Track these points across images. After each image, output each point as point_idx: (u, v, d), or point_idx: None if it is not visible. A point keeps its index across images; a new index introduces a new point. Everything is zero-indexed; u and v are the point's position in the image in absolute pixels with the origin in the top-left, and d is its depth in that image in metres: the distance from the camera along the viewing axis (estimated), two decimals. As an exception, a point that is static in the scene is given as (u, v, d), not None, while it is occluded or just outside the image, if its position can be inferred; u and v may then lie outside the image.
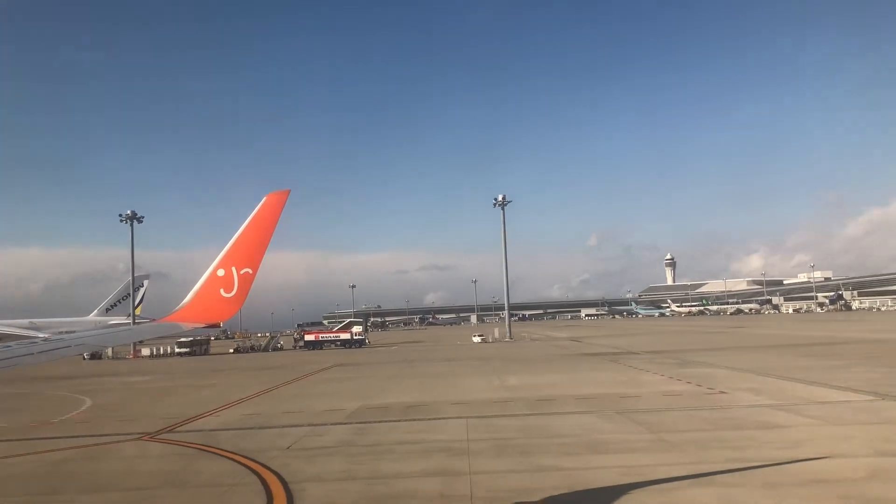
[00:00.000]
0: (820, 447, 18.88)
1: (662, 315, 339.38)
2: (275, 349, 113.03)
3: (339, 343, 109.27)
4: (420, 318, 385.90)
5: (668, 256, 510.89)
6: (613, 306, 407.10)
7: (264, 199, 11.04)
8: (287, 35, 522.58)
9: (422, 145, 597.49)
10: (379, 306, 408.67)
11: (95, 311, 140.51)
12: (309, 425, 27.50)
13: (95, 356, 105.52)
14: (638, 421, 24.76)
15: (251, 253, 10.87)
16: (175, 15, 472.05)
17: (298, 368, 63.51)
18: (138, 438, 26.45)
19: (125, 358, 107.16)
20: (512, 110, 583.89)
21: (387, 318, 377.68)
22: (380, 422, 27.70)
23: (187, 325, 10.99)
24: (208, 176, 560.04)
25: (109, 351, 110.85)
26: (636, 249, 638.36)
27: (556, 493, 15.35)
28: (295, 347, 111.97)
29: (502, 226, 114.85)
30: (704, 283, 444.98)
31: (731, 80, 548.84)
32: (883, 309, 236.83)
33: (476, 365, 57.77)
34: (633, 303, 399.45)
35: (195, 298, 10.84)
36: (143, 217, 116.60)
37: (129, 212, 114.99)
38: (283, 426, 27.90)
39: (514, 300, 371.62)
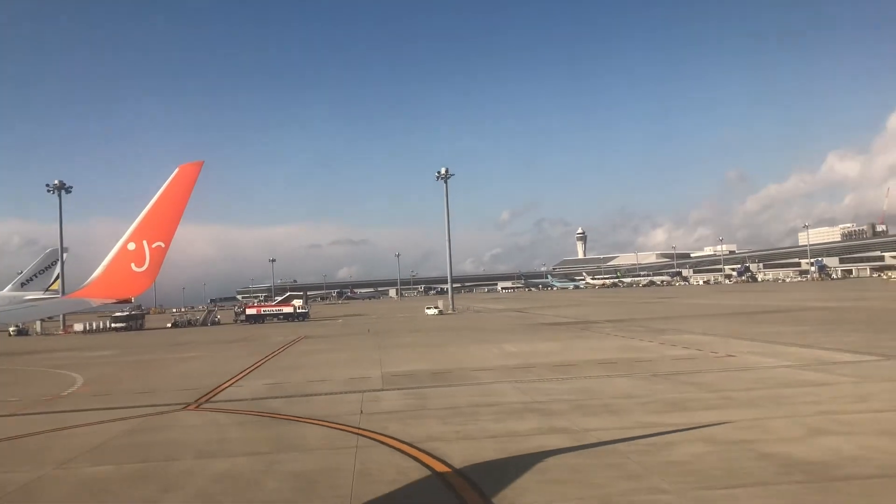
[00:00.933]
0: (891, 401, 20.43)
1: (577, 287, 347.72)
2: (213, 323, 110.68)
3: (281, 317, 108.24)
4: (338, 292, 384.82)
5: (580, 230, 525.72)
6: (529, 279, 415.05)
7: (177, 169, 10.75)
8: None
9: (335, 117, 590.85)
10: (295, 281, 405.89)
11: (10, 285, 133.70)
12: (353, 392, 27.55)
13: (22, 332, 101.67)
14: (685, 382, 25.87)
15: (163, 226, 10.64)
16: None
17: (265, 341, 62.72)
18: (183, 408, 25.96)
19: (55, 333, 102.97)
20: (427, 88, 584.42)
21: (308, 293, 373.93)
22: (426, 387, 27.94)
23: (96, 301, 10.62)
24: (105, 146, 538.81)
25: (38, 326, 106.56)
26: (546, 224, 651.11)
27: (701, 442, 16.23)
28: (236, 321, 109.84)
29: (445, 199, 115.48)
30: (615, 257, 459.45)
31: (636, 61, 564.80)
32: (787, 280, 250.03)
33: (451, 335, 58.48)
34: (548, 276, 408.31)
35: (104, 273, 10.56)
36: (71, 187, 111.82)
37: (56, 181, 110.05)
38: (327, 393, 27.84)
39: (429, 274, 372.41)
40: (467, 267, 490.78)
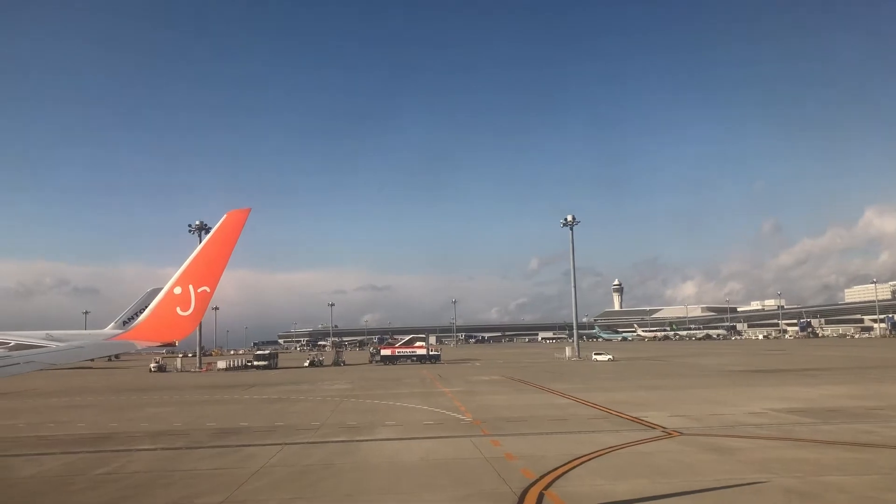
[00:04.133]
0: None
1: (624, 339, 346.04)
2: (344, 364, 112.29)
3: (414, 358, 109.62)
4: (378, 338, 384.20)
5: (616, 282, 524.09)
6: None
7: (224, 216, 10.98)
8: (250, 55, 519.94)
9: (363, 163, 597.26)
10: (336, 326, 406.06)
11: (112, 323, 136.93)
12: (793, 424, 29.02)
13: (161, 368, 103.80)
14: None
15: (209, 271, 10.78)
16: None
17: (467, 378, 64.24)
18: (665, 436, 27.27)
19: (191, 370, 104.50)
20: (461, 131, 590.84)
21: (344, 339, 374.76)
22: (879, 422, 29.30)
23: (141, 344, 10.80)
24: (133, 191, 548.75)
25: (178, 363, 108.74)
26: (576, 274, 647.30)
27: None
28: (371, 362, 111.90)
29: (571, 246, 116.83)
30: (660, 309, 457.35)
31: (666, 111, 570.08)
32: (857, 336, 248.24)
33: (688, 380, 59.42)
34: (596, 327, 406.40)
35: (151, 316, 10.78)
36: (209, 227, 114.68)
37: (197, 222, 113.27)
38: (761, 424, 29.22)
39: (457, 322, 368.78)
40: (492, 316, 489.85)
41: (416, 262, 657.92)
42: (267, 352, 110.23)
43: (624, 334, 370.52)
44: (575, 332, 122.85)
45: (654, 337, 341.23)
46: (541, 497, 17.38)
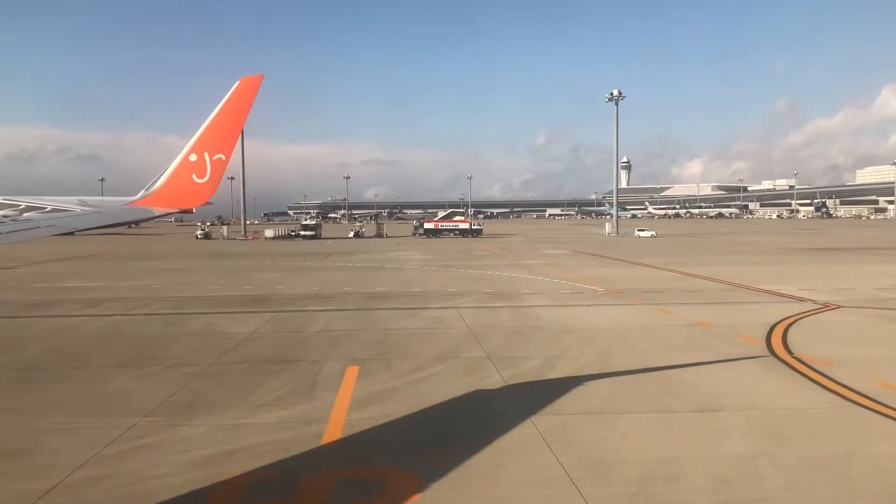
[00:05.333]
0: None
1: (634, 216, 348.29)
2: (387, 236, 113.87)
3: (457, 232, 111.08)
4: (388, 212, 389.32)
5: (624, 159, 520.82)
6: (583, 206, 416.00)
7: (237, 82, 10.73)
8: None
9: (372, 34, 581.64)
10: (344, 199, 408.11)
11: (142, 191, 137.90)
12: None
13: (207, 236, 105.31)
14: None
15: (224, 138, 10.76)
16: None
17: (538, 253, 65.15)
18: (823, 308, 28.08)
19: (237, 238, 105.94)
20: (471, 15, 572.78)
21: (354, 212, 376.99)
22: None
23: (158, 210, 10.96)
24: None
25: (225, 231, 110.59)
26: (582, 150, 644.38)
27: None
28: (414, 234, 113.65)
29: (615, 122, 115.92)
30: (669, 187, 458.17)
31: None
32: (871, 218, 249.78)
33: (749, 257, 60.60)
34: (606, 203, 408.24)
35: (167, 183, 10.79)
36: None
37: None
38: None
39: (461, 198, 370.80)
40: (496, 192, 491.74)
41: (422, 138, 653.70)
42: (313, 222, 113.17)
43: (633, 212, 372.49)
44: (615, 209, 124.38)
45: (665, 215, 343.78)
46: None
